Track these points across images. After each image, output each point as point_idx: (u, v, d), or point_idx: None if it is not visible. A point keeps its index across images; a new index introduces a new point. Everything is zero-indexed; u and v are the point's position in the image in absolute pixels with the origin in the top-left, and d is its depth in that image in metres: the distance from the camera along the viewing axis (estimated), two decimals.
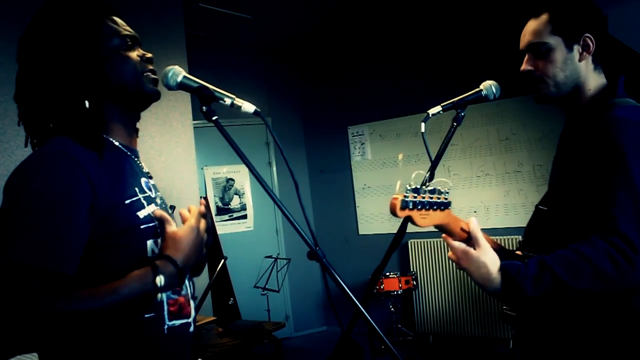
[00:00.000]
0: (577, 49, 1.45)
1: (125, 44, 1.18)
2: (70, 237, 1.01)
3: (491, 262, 1.26)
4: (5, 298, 0.94)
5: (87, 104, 1.11)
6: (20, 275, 0.95)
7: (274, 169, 5.85)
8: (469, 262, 1.27)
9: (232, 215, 5.65)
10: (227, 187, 5.66)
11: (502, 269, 1.26)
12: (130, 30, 1.21)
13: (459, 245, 1.28)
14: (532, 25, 1.49)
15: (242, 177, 5.69)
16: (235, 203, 5.68)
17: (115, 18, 1.21)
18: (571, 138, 1.51)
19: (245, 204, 5.71)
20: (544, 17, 1.47)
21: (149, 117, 3.30)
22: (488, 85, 1.53)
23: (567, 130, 1.54)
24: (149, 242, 1.13)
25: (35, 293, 0.95)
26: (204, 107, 1.15)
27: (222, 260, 3.53)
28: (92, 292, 0.99)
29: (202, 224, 1.19)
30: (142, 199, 1.15)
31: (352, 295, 1.11)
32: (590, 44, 1.45)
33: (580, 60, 1.45)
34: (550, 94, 1.48)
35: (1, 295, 0.94)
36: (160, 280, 1.04)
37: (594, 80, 1.48)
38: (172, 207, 2.92)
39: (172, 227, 1.16)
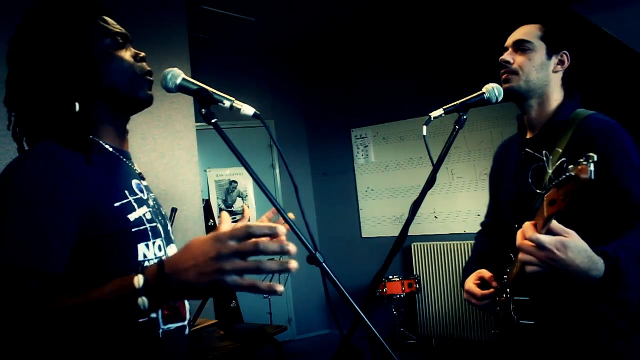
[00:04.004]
0: (554, 60, 1.61)
1: (116, 43, 1.16)
2: (54, 237, 0.98)
3: (586, 245, 1.20)
4: None
5: (77, 106, 1.09)
6: (4, 276, 0.93)
7: (277, 171, 5.85)
8: (568, 250, 1.16)
9: (235, 218, 5.60)
10: (230, 189, 5.66)
11: (599, 252, 1.23)
12: (121, 28, 1.19)
13: (552, 237, 1.17)
14: (523, 28, 1.66)
15: (245, 180, 5.68)
16: (238, 205, 5.67)
17: (106, 17, 1.18)
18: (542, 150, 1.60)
19: (248, 207, 5.70)
20: (536, 25, 1.64)
21: (152, 119, 3.29)
22: (491, 89, 1.52)
23: (534, 144, 1.63)
24: (141, 246, 1.11)
25: (22, 292, 0.92)
26: (203, 110, 1.13)
27: None
28: (77, 292, 0.94)
29: (247, 245, 0.86)
30: (132, 201, 1.12)
31: (351, 300, 1.09)
32: (566, 60, 1.62)
33: (554, 72, 1.61)
34: (518, 88, 1.62)
35: None
36: (138, 280, 0.88)
37: (559, 94, 1.63)
38: (175, 210, 2.92)
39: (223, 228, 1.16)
